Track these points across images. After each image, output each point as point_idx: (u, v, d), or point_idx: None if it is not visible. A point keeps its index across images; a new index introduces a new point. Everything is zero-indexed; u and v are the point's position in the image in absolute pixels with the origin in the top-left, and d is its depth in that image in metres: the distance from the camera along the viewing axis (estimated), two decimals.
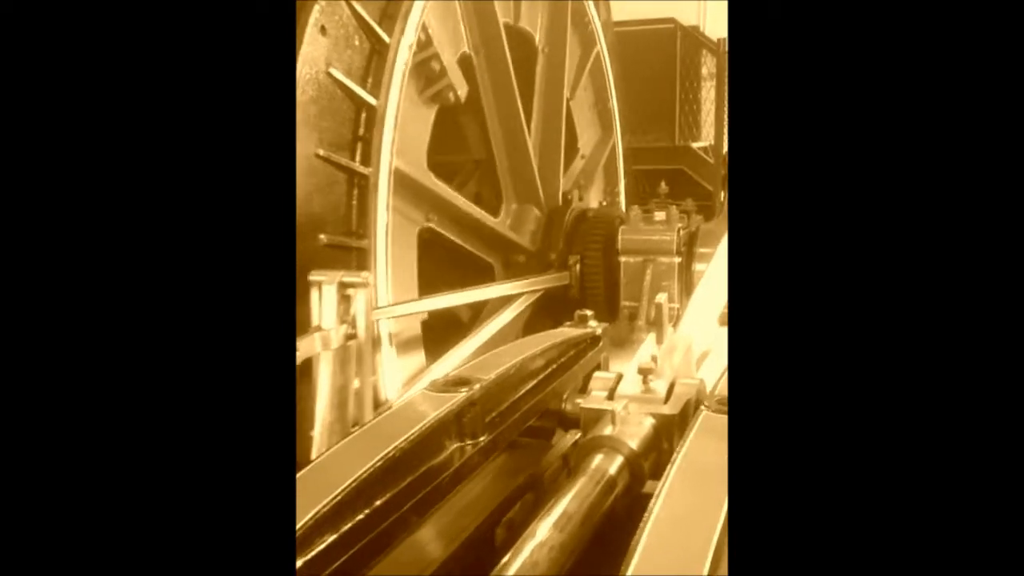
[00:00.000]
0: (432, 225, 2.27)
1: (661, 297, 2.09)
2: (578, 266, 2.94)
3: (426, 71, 2.06)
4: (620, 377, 1.57)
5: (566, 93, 2.98)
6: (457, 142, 2.85)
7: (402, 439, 1.19)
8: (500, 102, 2.52)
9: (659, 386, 1.50)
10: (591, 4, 3.10)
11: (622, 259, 2.94)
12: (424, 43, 2.01)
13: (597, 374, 1.64)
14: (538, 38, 2.80)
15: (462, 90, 2.21)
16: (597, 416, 1.42)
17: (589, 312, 2.14)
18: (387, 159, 1.92)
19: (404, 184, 2.03)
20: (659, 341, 1.90)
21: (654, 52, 3.75)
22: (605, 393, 1.53)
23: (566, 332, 1.99)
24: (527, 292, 2.66)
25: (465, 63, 2.36)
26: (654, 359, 1.60)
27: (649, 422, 1.40)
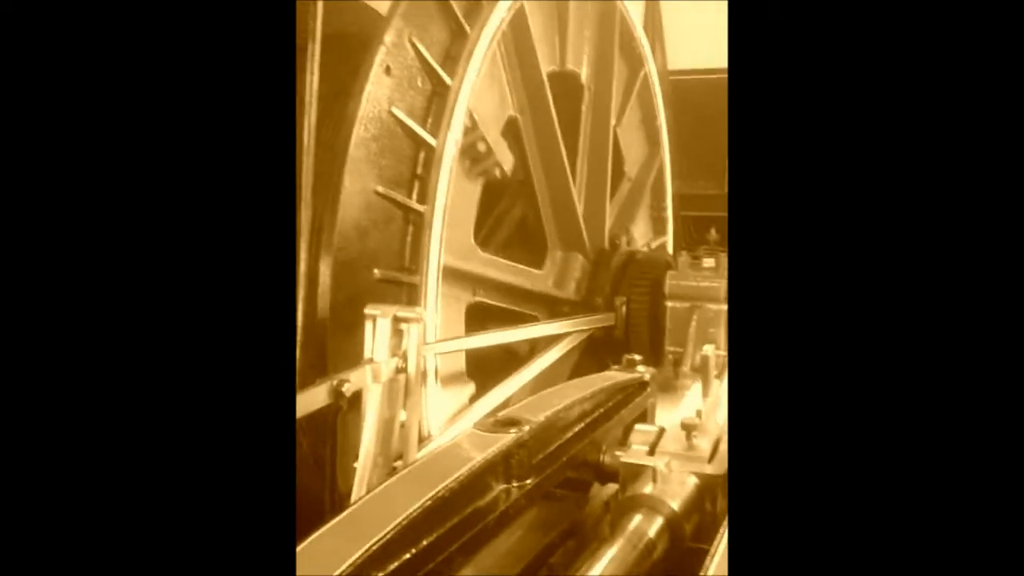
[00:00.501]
0: (480, 298, 2.30)
1: (708, 349, 1.94)
2: (624, 308, 2.93)
3: (472, 152, 2.08)
4: (662, 432, 1.52)
5: (612, 121, 2.98)
6: None
7: (451, 479, 1.18)
8: (546, 160, 2.54)
9: (703, 443, 1.44)
10: (641, 32, 3.11)
11: (669, 304, 2.92)
12: (469, 128, 2.05)
13: (638, 427, 1.58)
14: (584, 75, 2.82)
15: (507, 165, 2.24)
16: (637, 472, 1.37)
17: (638, 356, 2.12)
18: (442, 199, 1.96)
19: (450, 274, 2.06)
20: (705, 394, 1.80)
21: (706, 99, 3.76)
22: (646, 448, 1.47)
23: (614, 376, 1.97)
24: (573, 332, 2.64)
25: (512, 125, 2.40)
26: (699, 414, 1.54)
27: (692, 481, 1.34)
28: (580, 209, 2.72)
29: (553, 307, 2.75)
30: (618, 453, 1.49)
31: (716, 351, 2.42)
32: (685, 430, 1.46)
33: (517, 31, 2.26)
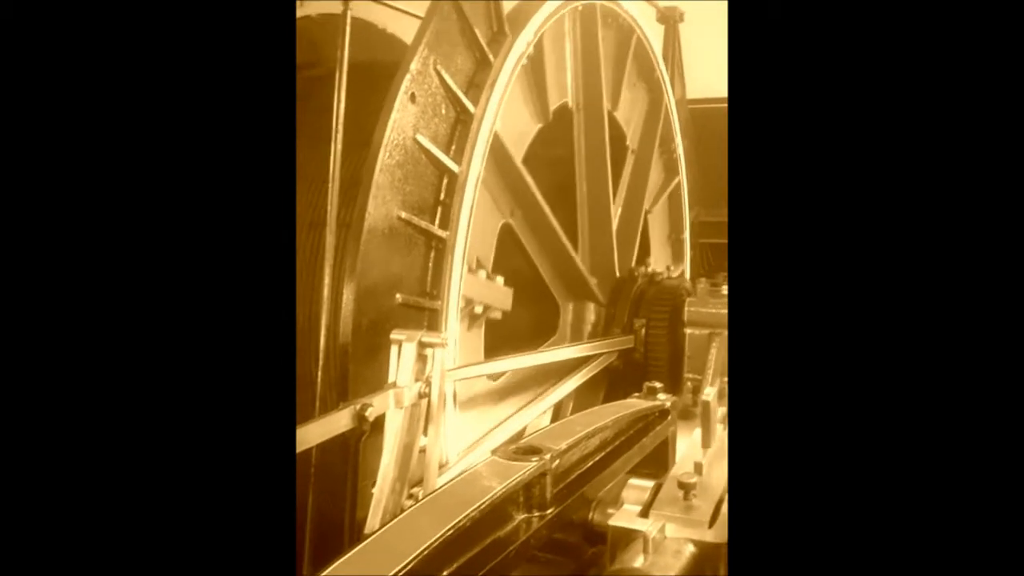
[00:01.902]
0: (513, 221, 2.27)
1: (709, 393, 1.69)
2: (643, 330, 2.93)
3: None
4: (658, 488, 1.38)
5: (608, 106, 2.95)
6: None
7: (471, 509, 1.18)
8: (591, 174, 2.56)
9: (703, 504, 1.30)
10: (660, 59, 3.14)
11: (688, 331, 2.91)
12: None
13: (632, 481, 1.44)
14: (570, 99, 2.75)
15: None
16: (628, 537, 1.25)
17: (658, 384, 2.11)
18: (464, 225, 1.97)
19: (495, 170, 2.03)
20: (705, 443, 1.61)
21: (724, 128, 3.79)
22: (638, 507, 1.33)
23: (635, 403, 1.96)
24: (591, 361, 2.64)
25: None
26: (698, 468, 1.39)
27: (689, 551, 1.21)
28: (586, 254, 2.74)
29: (580, 290, 2.77)
30: (610, 511, 1.38)
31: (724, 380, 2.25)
32: (682, 489, 1.32)
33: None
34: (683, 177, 3.51)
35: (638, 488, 1.41)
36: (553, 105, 2.53)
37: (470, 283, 2.02)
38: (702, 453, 1.53)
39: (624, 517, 1.32)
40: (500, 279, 2.18)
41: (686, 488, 1.31)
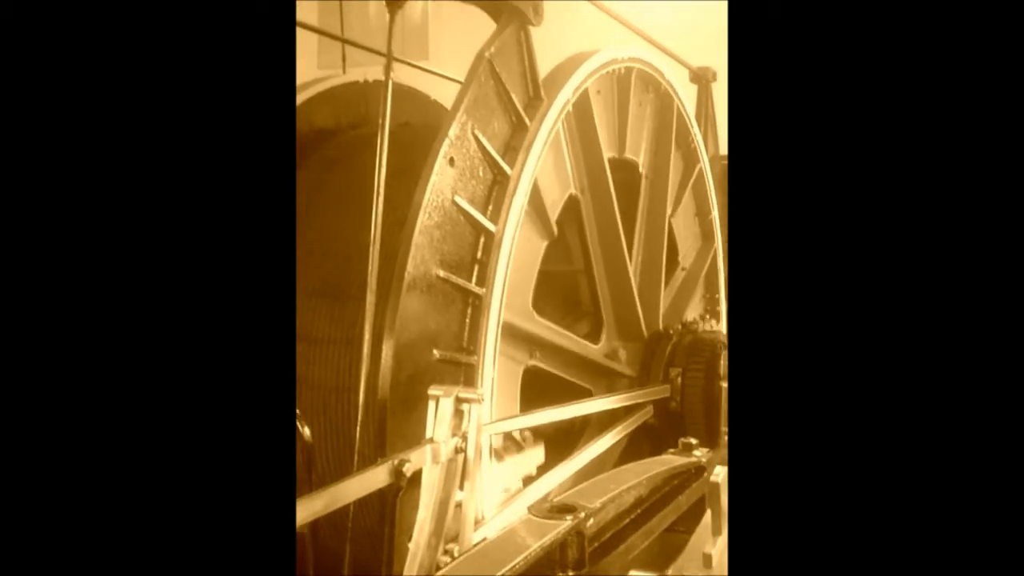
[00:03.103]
0: (536, 362, 2.34)
1: (719, 473, 1.50)
2: (679, 379, 2.92)
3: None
4: None
5: (668, 210, 3.06)
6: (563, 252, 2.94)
7: (507, 568, 1.19)
8: (606, 246, 2.62)
9: None
10: (694, 126, 3.22)
11: (724, 385, 2.89)
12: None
13: (633, 573, 1.32)
14: (641, 163, 2.92)
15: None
16: None
17: (694, 440, 2.10)
18: (500, 280, 2.02)
19: (509, 331, 2.12)
20: (715, 531, 1.44)
21: None
22: None
23: (671, 459, 1.96)
24: (627, 418, 2.64)
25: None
26: (707, 560, 1.29)
27: None
28: (637, 298, 2.77)
29: (609, 379, 2.77)
30: None
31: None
32: None
33: (580, 114, 2.36)
34: (719, 244, 3.54)
35: None
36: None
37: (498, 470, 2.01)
38: (711, 542, 1.42)
39: None
40: (529, 437, 2.21)
41: None
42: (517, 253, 2.07)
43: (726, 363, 2.85)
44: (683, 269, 3.41)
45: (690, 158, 3.26)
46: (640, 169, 2.91)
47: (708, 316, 3.65)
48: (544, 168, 2.22)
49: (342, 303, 2.18)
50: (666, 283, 3.12)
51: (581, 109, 2.39)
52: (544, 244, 2.34)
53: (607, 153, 2.58)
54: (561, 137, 2.35)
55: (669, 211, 3.08)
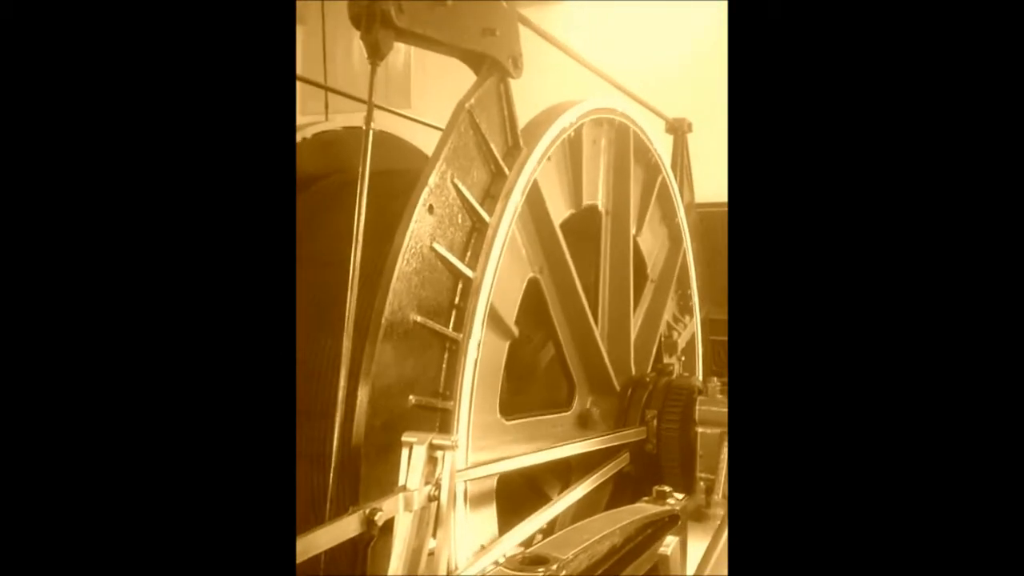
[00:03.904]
0: (538, 275, 2.32)
1: (669, 544, 1.59)
2: (655, 421, 2.94)
3: None
4: None
5: (632, 231, 3.08)
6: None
7: None
8: (569, 315, 2.64)
9: None
10: (645, 137, 3.24)
11: (699, 430, 2.91)
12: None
13: None
14: (600, 202, 2.91)
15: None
16: None
17: (668, 488, 2.11)
18: (479, 326, 2.04)
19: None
20: None
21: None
22: None
23: (644, 508, 1.96)
24: (604, 465, 2.64)
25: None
26: None
27: None
28: (605, 349, 2.80)
29: (598, 377, 2.80)
30: None
31: None
32: None
33: (531, 200, 2.32)
34: (687, 245, 3.60)
35: None
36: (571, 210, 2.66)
37: None
38: None
39: None
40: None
41: None
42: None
43: (700, 408, 2.87)
44: (652, 281, 3.45)
45: (651, 171, 3.28)
46: (600, 208, 2.92)
47: (682, 315, 3.72)
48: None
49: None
50: (636, 303, 3.15)
51: (533, 192, 2.34)
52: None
53: (566, 211, 2.62)
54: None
55: (634, 230, 3.11)
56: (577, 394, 2.78)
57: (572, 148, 2.67)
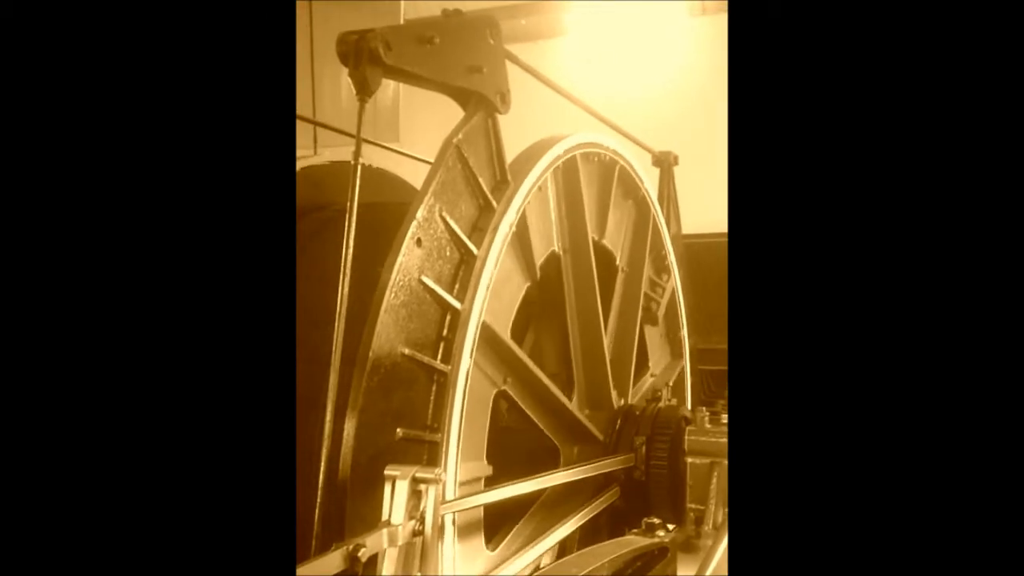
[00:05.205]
0: (507, 388, 2.33)
1: None
2: (644, 448, 2.94)
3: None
4: None
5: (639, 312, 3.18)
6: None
7: None
8: (581, 308, 2.68)
9: None
10: (643, 180, 3.31)
11: (689, 460, 2.91)
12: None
13: None
14: (619, 257, 3.05)
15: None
16: None
17: (657, 520, 2.10)
18: (467, 358, 2.04)
19: (487, 340, 2.14)
20: None
21: (718, 259, 3.99)
22: None
23: (633, 541, 1.95)
24: (594, 500, 2.63)
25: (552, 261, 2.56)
26: None
27: None
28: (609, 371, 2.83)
29: (579, 436, 2.77)
30: None
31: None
32: None
33: (519, 233, 2.37)
34: (675, 275, 3.64)
35: None
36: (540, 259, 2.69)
37: None
38: None
39: None
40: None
41: None
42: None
43: (690, 438, 2.87)
44: (652, 375, 3.50)
45: (642, 208, 3.34)
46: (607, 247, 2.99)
47: (672, 363, 3.74)
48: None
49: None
50: (635, 383, 3.23)
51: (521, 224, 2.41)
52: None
53: (555, 245, 2.67)
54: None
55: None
56: (575, 395, 2.77)
57: (567, 176, 2.72)
